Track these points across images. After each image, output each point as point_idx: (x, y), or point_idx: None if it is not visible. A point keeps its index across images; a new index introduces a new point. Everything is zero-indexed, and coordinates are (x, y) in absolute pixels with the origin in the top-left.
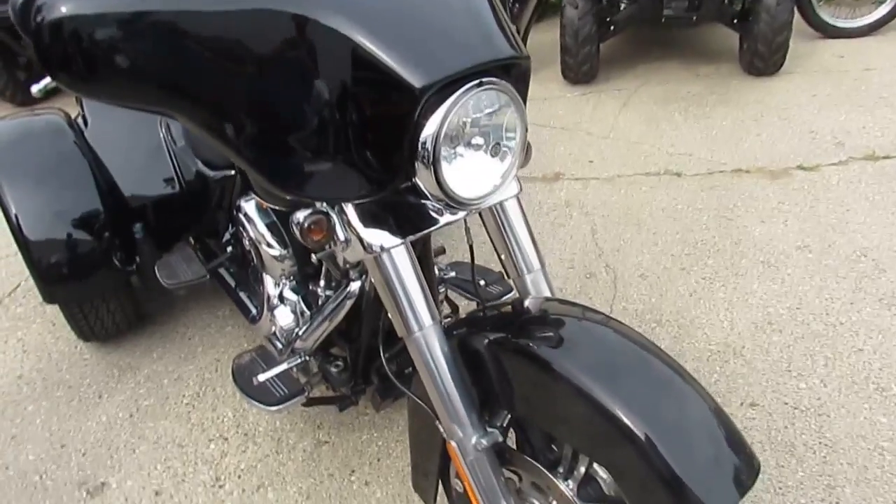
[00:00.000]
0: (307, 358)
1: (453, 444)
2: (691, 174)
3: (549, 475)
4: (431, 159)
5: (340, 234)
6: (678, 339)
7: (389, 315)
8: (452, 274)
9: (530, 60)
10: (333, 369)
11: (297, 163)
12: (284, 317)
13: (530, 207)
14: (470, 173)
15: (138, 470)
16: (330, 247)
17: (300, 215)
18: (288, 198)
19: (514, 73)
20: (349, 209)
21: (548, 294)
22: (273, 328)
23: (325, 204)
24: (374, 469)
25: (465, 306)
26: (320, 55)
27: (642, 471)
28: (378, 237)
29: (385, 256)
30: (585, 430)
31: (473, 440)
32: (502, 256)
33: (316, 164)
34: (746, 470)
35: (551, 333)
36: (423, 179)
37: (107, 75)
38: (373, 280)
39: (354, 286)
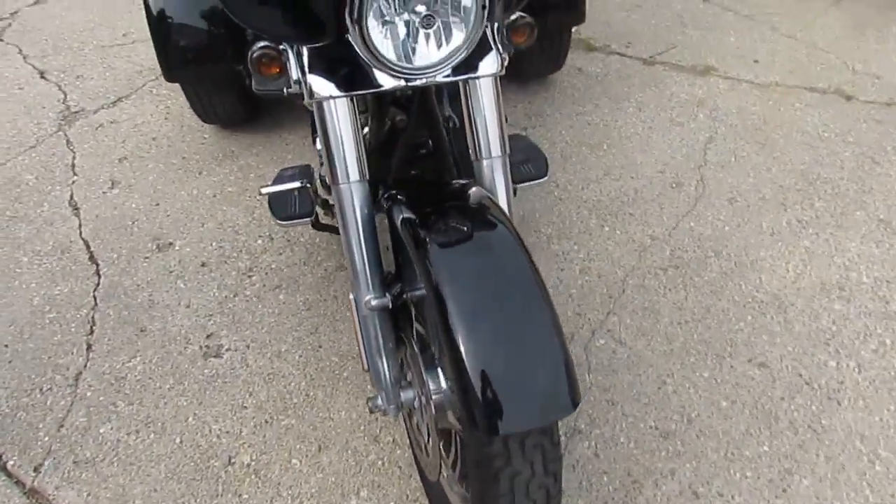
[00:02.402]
0: (308, 183)
1: (351, 297)
2: (865, 100)
3: (418, 354)
4: (356, 16)
5: (294, 75)
6: (726, 275)
7: (323, 160)
8: None
9: None
10: None
11: None
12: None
13: (657, 98)
14: (410, 41)
15: (199, 241)
16: (289, 87)
17: (255, 46)
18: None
19: None
20: (305, 52)
21: (502, 185)
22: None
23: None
24: None
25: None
26: None
27: (461, 393)
28: (323, 86)
29: (326, 105)
30: (440, 338)
31: (366, 298)
32: (468, 136)
33: None
34: (556, 408)
35: (458, 232)
36: (352, 36)
37: None
38: (316, 124)
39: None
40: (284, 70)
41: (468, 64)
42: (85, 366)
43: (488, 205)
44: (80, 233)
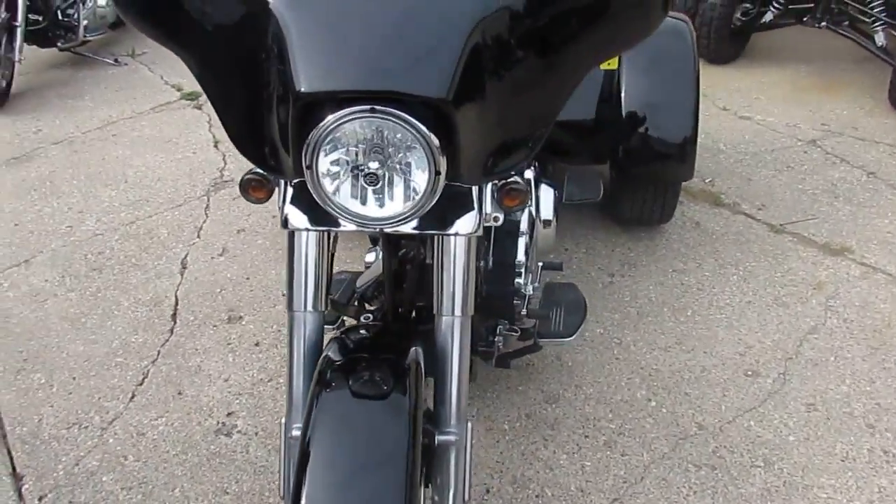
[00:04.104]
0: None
1: (282, 420)
2: None
3: None
4: (308, 163)
5: (278, 202)
6: (768, 495)
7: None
8: (529, 291)
9: (453, 105)
10: (363, 319)
11: (240, 118)
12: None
13: (770, 270)
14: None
15: (263, 320)
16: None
17: (249, 170)
18: None
19: (432, 111)
20: (291, 184)
21: (458, 347)
22: None
23: None
24: None
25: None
26: (254, 30)
27: None
28: (297, 218)
29: (297, 235)
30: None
31: (292, 430)
32: (434, 289)
33: (244, 126)
34: None
35: (371, 388)
36: (307, 179)
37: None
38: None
39: (373, 255)
40: (270, 195)
41: (441, 219)
42: (121, 413)
43: (414, 372)
44: (177, 290)
